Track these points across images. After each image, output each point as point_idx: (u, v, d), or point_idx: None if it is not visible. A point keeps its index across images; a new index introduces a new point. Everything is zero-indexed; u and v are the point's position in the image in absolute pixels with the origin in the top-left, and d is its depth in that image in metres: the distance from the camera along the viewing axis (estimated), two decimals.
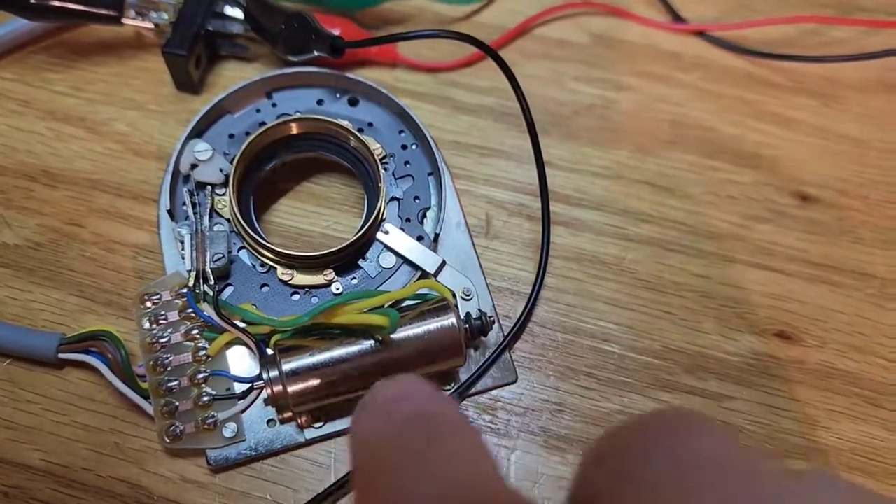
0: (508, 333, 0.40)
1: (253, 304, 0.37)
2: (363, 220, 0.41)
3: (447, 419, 0.27)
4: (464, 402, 0.39)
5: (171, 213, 0.39)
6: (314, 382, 0.35)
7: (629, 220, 0.44)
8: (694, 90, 0.49)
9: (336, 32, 0.43)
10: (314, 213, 0.43)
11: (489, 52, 0.42)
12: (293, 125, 0.41)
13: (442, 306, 0.36)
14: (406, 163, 0.42)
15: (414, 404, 0.27)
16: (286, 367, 0.34)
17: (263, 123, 0.42)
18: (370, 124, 0.43)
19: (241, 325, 0.36)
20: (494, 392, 0.39)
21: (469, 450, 0.26)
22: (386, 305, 0.36)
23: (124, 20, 0.44)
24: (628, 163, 0.46)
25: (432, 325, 0.36)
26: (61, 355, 0.37)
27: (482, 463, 0.26)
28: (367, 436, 0.27)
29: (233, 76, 0.46)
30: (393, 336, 0.35)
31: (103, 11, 0.44)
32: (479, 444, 0.27)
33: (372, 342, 0.35)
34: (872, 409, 0.40)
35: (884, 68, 0.50)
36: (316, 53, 0.42)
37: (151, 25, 0.44)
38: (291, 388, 0.34)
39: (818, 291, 0.43)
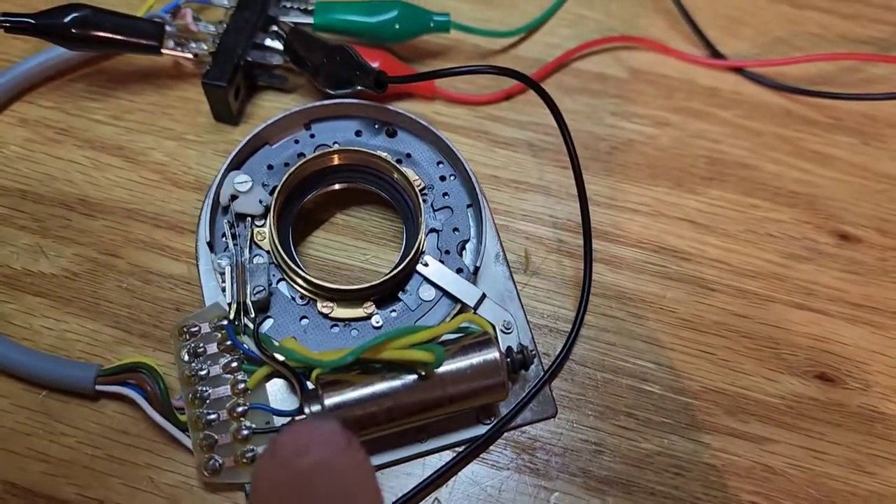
0: (549, 367, 0.39)
1: (294, 338, 0.37)
2: (402, 251, 0.41)
3: (344, 475, 0.27)
4: (502, 441, 0.38)
5: (210, 244, 0.39)
6: (357, 417, 0.34)
7: (669, 259, 0.44)
8: (732, 127, 0.49)
9: (376, 65, 0.43)
10: (351, 247, 0.43)
11: (535, 87, 0.42)
12: (335, 157, 0.41)
13: (484, 340, 0.36)
14: (444, 194, 0.42)
15: (314, 457, 0.27)
16: (328, 401, 0.34)
17: (302, 155, 0.42)
18: (408, 155, 0.43)
19: (281, 358, 0.36)
20: (534, 431, 0.39)
21: None
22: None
23: (164, 50, 0.44)
24: (667, 199, 0.46)
25: (475, 359, 0.35)
26: (99, 387, 0.37)
27: None
28: (264, 485, 0.28)
29: (271, 107, 0.46)
30: (436, 370, 0.35)
31: (143, 41, 0.44)
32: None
33: (415, 377, 0.34)
34: None
35: None
36: (359, 87, 0.42)
37: (190, 56, 0.45)
38: None
39: (860, 333, 0.42)
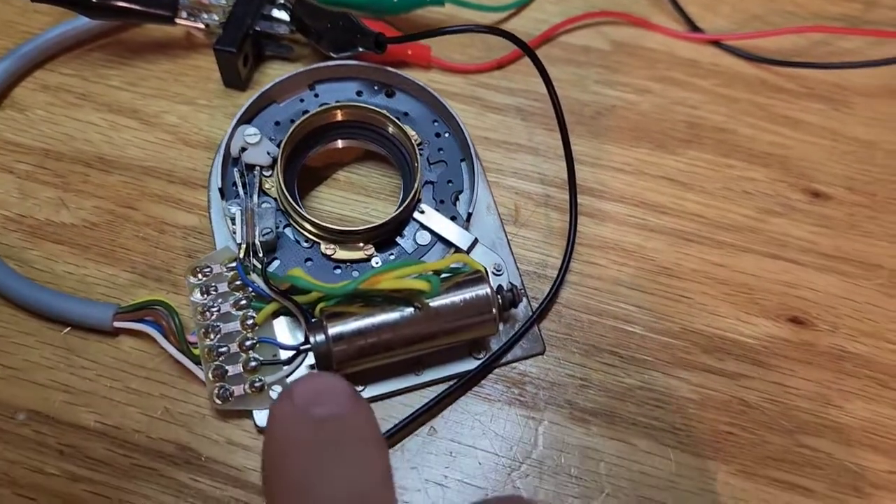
0: (538, 306, 0.42)
1: (299, 268, 0.39)
2: (401, 199, 0.43)
3: (355, 425, 0.29)
4: (493, 376, 0.41)
5: (221, 191, 0.42)
6: (357, 346, 0.37)
7: (649, 212, 0.46)
8: (710, 94, 0.51)
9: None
10: (352, 201, 0.46)
11: (526, 49, 0.45)
12: (337, 112, 0.44)
13: (476, 277, 0.38)
14: (440, 149, 0.45)
15: (328, 408, 0.29)
16: (332, 331, 0.36)
17: (307, 112, 0.44)
18: (406, 114, 0.46)
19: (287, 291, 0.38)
20: (523, 367, 0.41)
21: (367, 459, 0.28)
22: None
23: (177, 20, 0.47)
24: (648, 160, 0.48)
25: (468, 294, 0.38)
26: (116, 324, 0.39)
27: (376, 474, 0.28)
28: (281, 430, 0.29)
29: (276, 75, 0.48)
30: (431, 304, 0.37)
31: (158, 12, 0.47)
32: (379, 454, 0.29)
33: (412, 310, 0.37)
34: (883, 390, 0.42)
35: (890, 76, 0.52)
36: (360, 49, 0.45)
37: (202, 26, 0.47)
38: (336, 350, 0.36)
39: (829, 280, 0.45)
